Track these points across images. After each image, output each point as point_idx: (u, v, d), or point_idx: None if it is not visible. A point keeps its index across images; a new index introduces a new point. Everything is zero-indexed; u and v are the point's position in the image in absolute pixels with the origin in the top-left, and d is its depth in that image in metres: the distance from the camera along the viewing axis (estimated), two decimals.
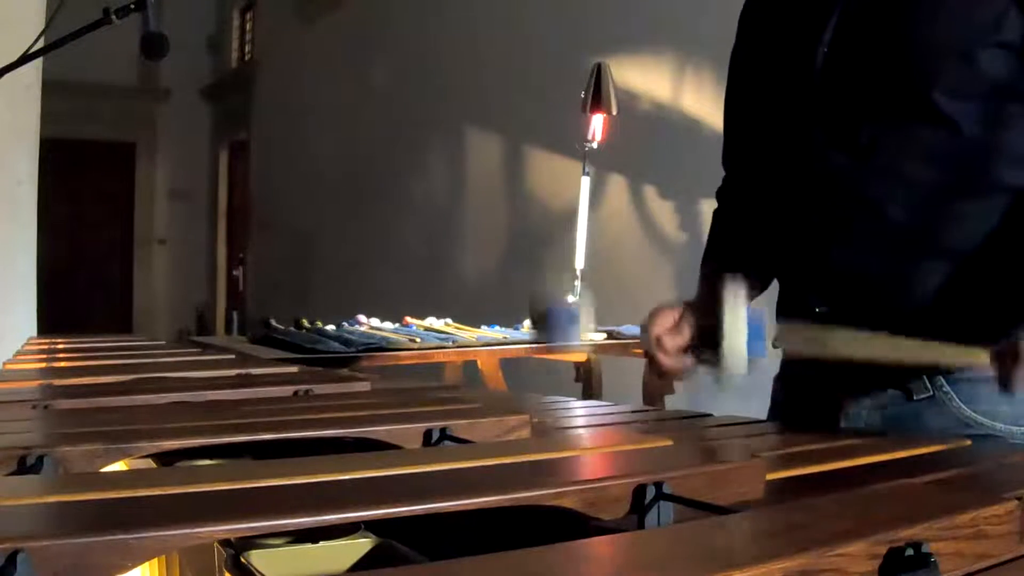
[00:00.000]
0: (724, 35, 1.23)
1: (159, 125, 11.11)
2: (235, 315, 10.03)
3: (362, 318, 2.85)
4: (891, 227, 1.00)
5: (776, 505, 0.53)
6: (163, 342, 2.30)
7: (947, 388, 1.00)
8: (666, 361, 1.04)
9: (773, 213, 1.12)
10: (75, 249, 10.44)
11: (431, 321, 2.96)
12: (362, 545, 0.53)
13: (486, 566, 0.38)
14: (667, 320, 1.04)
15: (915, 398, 1.01)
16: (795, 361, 1.09)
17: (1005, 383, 0.85)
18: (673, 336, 1.04)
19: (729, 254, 1.20)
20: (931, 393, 1.01)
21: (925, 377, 1.00)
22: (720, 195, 1.27)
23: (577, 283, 3.53)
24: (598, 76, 3.68)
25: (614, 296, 4.24)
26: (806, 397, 1.11)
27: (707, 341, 0.96)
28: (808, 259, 1.07)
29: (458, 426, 0.75)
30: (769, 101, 1.11)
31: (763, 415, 1.15)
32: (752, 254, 1.17)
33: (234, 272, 10.68)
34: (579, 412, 1.16)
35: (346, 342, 2.48)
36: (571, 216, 3.89)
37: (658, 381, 3.03)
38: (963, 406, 0.99)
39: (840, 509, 0.49)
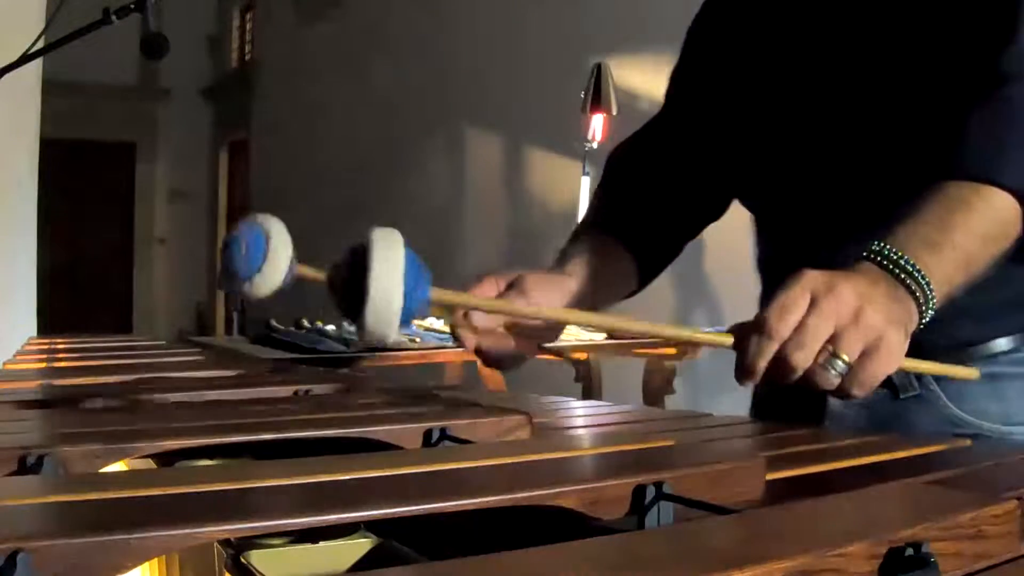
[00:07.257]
0: None
1: (159, 125, 11.12)
2: (235, 315, 10.03)
3: None
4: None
5: (776, 505, 0.53)
6: (163, 342, 2.30)
7: (934, 387, 0.97)
8: (471, 341, 0.87)
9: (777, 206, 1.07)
10: (75, 249, 10.44)
11: (431, 321, 2.96)
12: (362, 545, 0.53)
13: (486, 566, 0.38)
14: (490, 291, 0.89)
15: (901, 396, 0.98)
16: None
17: (740, 369, 0.74)
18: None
19: (629, 220, 1.10)
20: (918, 391, 0.98)
21: (912, 375, 0.97)
22: (617, 163, 1.16)
23: None
24: (598, 76, 3.69)
25: None
26: (790, 393, 1.08)
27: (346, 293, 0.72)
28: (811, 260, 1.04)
29: (458, 426, 0.74)
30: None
31: None
32: (667, 224, 1.10)
33: None
34: (579, 412, 1.16)
35: (346, 342, 2.47)
36: (571, 216, 3.88)
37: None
38: (951, 404, 0.97)
39: (840, 509, 0.49)
